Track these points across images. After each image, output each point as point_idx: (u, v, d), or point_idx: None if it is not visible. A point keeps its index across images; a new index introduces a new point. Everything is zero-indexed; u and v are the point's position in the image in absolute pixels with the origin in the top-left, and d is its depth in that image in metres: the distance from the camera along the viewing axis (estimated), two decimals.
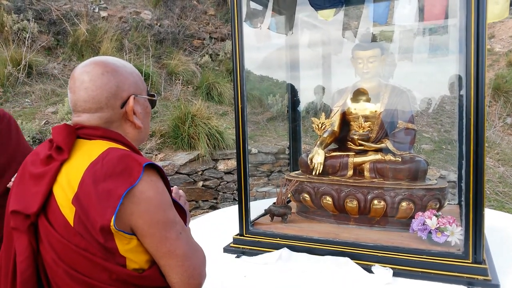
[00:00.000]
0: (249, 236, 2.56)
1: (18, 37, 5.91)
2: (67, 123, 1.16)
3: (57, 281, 1.04)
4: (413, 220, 2.33)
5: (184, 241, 1.11)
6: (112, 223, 0.98)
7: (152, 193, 1.04)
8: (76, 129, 1.12)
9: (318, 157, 2.78)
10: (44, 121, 5.03)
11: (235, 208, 2.78)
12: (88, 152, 1.08)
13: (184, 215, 1.20)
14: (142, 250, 1.06)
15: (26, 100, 5.40)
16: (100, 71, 1.12)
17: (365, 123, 2.76)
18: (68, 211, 1.03)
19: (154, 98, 1.28)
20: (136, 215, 1.02)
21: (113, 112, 1.14)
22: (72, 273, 1.02)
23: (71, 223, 1.02)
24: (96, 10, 7.02)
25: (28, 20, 6.08)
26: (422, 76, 3.24)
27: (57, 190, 1.05)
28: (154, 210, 1.04)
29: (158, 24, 7.36)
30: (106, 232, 1.00)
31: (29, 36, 5.90)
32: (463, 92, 2.00)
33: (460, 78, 2.17)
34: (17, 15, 6.07)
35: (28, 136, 4.43)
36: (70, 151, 1.08)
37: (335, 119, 2.95)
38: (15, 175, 1.20)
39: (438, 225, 2.19)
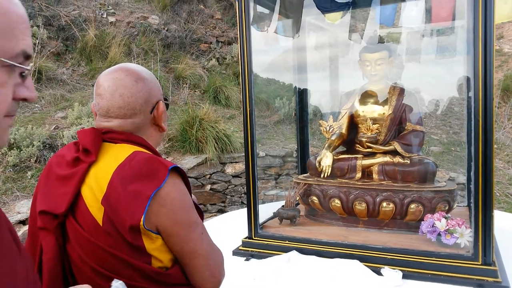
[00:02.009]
0: (258, 239, 2.57)
1: None
2: (93, 127, 1.20)
3: (83, 278, 1.08)
4: (422, 222, 2.32)
5: (206, 241, 1.15)
6: (141, 223, 1.03)
7: (176, 194, 1.09)
8: (103, 133, 1.17)
9: (326, 159, 2.78)
10: (54, 126, 5.08)
11: (243, 212, 2.79)
12: (114, 155, 1.12)
13: (202, 217, 1.23)
14: (166, 249, 1.11)
15: (36, 105, 5.46)
16: (134, 78, 1.17)
17: (373, 125, 2.76)
18: (96, 211, 1.07)
19: (167, 102, 1.34)
20: (162, 216, 1.06)
21: (144, 117, 1.20)
22: (99, 270, 1.05)
23: (100, 222, 1.06)
24: (104, 16, 7.09)
25: (38, 26, 6.15)
26: (430, 77, 3.22)
27: (86, 191, 1.09)
28: (179, 211, 1.09)
29: (166, 28, 7.41)
30: (135, 231, 1.04)
31: (38, 42, 5.97)
32: (471, 93, 1.99)
33: (468, 79, 2.16)
34: None
35: (39, 141, 4.48)
36: (97, 154, 1.13)
37: (343, 121, 2.95)
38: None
39: (447, 227, 2.18)
